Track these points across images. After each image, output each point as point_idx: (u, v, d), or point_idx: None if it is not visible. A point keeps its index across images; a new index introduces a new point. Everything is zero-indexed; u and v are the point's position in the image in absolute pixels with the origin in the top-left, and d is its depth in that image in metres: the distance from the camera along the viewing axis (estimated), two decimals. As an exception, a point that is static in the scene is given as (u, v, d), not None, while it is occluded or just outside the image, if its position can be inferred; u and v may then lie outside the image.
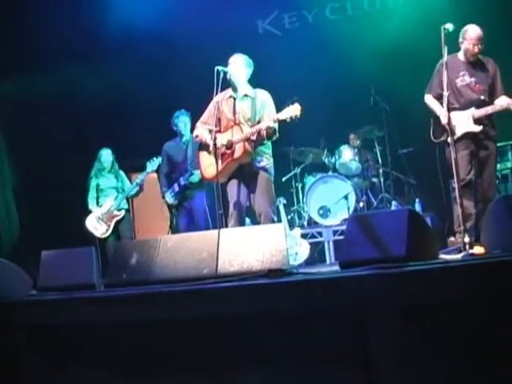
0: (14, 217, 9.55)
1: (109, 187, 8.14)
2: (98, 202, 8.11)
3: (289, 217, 8.48)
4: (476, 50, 5.90)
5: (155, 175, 8.13)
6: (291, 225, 8.27)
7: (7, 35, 9.20)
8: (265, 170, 5.91)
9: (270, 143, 5.95)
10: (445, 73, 4.93)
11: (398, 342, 3.14)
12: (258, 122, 5.80)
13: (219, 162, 5.70)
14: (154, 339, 3.82)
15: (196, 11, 9.58)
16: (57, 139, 9.42)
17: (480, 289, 2.99)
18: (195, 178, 7.34)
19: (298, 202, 8.83)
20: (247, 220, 6.81)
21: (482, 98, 5.93)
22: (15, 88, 9.64)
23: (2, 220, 9.37)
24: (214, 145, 5.58)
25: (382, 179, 8.52)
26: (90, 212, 8.08)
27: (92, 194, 8.15)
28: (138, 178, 8.04)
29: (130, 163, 8.73)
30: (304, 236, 7.91)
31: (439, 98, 6.00)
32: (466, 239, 4.42)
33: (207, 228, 7.07)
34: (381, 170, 8.57)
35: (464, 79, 5.95)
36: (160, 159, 7.85)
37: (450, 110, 5.86)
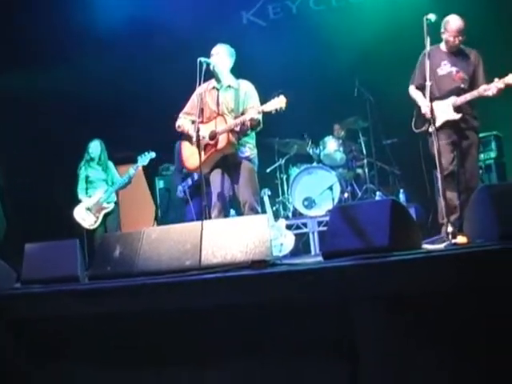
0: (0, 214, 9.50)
1: (98, 179, 8.15)
2: (87, 193, 8.10)
3: (274, 208, 8.48)
4: (457, 41, 5.93)
5: (140, 168, 8.16)
6: (276, 216, 8.27)
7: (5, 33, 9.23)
8: (248, 159, 5.91)
9: (253, 133, 5.95)
10: (427, 63, 4.94)
11: (382, 333, 3.14)
12: (242, 113, 5.80)
13: (202, 152, 5.70)
14: (138, 332, 3.81)
15: (180, 2, 9.55)
16: (45, 134, 9.42)
17: (463, 278, 2.99)
18: None
19: (283, 193, 8.83)
20: (232, 211, 6.81)
21: (462, 86, 5.94)
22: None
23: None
24: (197, 136, 5.57)
25: (366, 170, 8.55)
26: (79, 202, 8.08)
27: (82, 185, 8.16)
28: (129, 171, 8.04)
29: (119, 155, 8.72)
30: (289, 227, 7.92)
31: (422, 88, 6.02)
32: (450, 229, 4.45)
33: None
34: (365, 161, 8.60)
35: (445, 68, 5.96)
36: (152, 154, 7.94)
37: (432, 99, 5.92)
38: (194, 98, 5.96)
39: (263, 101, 5.71)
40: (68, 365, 4.03)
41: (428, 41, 5.30)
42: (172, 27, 9.40)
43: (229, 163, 5.91)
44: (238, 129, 5.75)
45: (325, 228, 7.71)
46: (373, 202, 4.79)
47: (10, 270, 4.88)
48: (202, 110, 5.95)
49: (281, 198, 8.80)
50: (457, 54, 6.00)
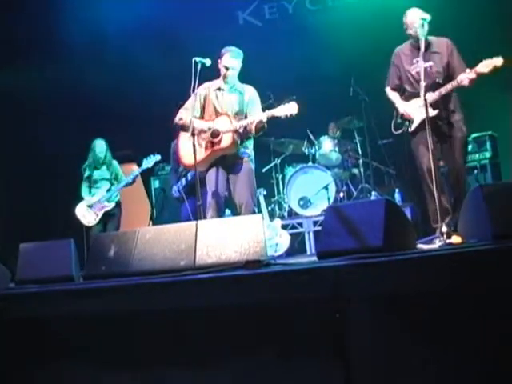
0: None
1: (102, 178, 8.18)
2: (90, 192, 8.13)
3: (269, 208, 8.49)
4: (418, 33, 5.57)
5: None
6: (272, 216, 8.28)
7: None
8: (247, 161, 5.93)
9: (252, 136, 5.98)
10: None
11: (376, 333, 3.14)
12: (245, 117, 5.82)
13: (202, 149, 5.71)
14: (133, 332, 3.81)
15: (176, 2, 9.56)
16: (43, 133, 9.42)
17: (456, 278, 3.00)
18: None
19: (279, 192, 8.84)
20: (227, 211, 6.82)
21: (437, 80, 5.71)
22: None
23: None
24: (193, 134, 5.58)
25: (361, 170, 8.56)
26: (81, 200, 8.14)
27: (85, 184, 8.20)
28: (134, 171, 8.09)
29: (121, 154, 8.74)
30: (284, 227, 7.93)
31: (398, 89, 6.01)
32: (444, 229, 4.46)
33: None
34: (361, 161, 8.61)
35: (418, 65, 5.57)
36: (157, 157, 8.00)
37: (408, 98, 5.88)
38: (196, 94, 5.90)
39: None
40: (62, 365, 4.01)
41: (423, 41, 5.31)
42: (168, 27, 9.41)
43: (228, 163, 5.92)
44: (241, 130, 5.76)
45: (320, 228, 7.70)
46: (367, 202, 4.78)
47: (4, 269, 4.88)
48: (203, 108, 6.00)
49: (276, 197, 8.81)
50: (428, 47, 5.64)
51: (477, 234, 3.57)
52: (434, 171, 4.78)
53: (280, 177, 8.85)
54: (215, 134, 5.79)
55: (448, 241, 4.34)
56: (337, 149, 8.62)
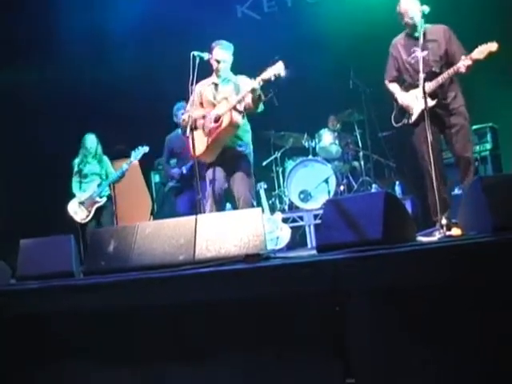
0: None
1: (92, 173, 8.12)
2: (80, 187, 8.09)
3: (270, 201, 8.47)
4: (413, 21, 5.59)
5: (137, 163, 8.14)
6: (272, 209, 8.27)
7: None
8: (246, 155, 5.94)
9: (250, 129, 5.97)
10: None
11: (375, 326, 3.15)
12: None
13: (207, 138, 5.76)
14: (133, 327, 3.81)
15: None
16: (40, 131, 9.43)
17: (456, 271, 2.99)
18: None
19: (279, 186, 8.81)
20: (228, 205, 6.81)
21: (434, 69, 5.60)
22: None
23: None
24: (191, 129, 5.61)
25: (362, 162, 8.54)
26: (73, 196, 8.08)
27: (76, 179, 8.14)
28: (123, 166, 8.02)
29: (111, 150, 8.71)
30: (285, 220, 7.91)
31: (397, 80, 5.96)
32: (444, 221, 4.45)
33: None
34: (361, 154, 8.58)
35: (416, 55, 5.51)
36: (145, 148, 7.93)
37: (407, 88, 5.84)
38: (193, 95, 5.91)
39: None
40: (63, 361, 4.02)
41: (422, 33, 5.29)
42: (166, 21, 9.39)
43: (227, 157, 5.94)
44: (241, 108, 5.76)
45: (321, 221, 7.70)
46: (366, 195, 4.76)
47: (4, 266, 4.88)
48: (201, 105, 6.08)
49: (277, 191, 8.79)
50: (424, 37, 5.51)
51: (476, 226, 3.56)
52: (434, 162, 4.75)
53: (280, 170, 8.83)
54: (217, 118, 5.81)
55: (448, 233, 4.34)
56: (337, 142, 8.59)
